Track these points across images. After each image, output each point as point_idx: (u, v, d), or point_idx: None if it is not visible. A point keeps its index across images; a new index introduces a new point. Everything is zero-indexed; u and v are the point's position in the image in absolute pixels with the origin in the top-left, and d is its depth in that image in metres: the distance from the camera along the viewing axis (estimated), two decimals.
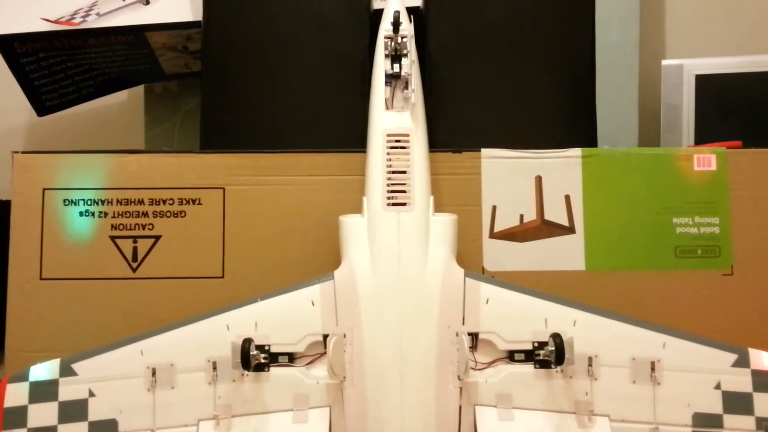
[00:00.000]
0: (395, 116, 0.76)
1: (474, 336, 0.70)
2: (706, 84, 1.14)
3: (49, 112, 1.13)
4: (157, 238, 0.81)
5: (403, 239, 0.72)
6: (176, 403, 0.69)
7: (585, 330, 0.69)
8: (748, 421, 0.67)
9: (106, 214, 0.81)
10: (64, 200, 0.80)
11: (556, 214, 0.82)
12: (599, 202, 0.82)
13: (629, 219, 0.82)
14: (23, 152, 0.81)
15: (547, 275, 0.81)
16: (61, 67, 1.09)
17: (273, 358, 0.70)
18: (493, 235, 0.81)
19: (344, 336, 0.70)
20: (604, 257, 0.81)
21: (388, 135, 0.75)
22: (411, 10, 0.84)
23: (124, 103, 1.34)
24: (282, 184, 0.82)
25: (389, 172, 0.74)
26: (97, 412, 0.68)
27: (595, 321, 0.70)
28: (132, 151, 0.82)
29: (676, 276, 0.81)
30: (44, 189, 0.80)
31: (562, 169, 0.82)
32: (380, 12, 0.82)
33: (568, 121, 0.91)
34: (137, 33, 1.03)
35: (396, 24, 0.76)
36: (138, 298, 0.80)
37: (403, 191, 0.73)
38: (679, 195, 0.82)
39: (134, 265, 0.80)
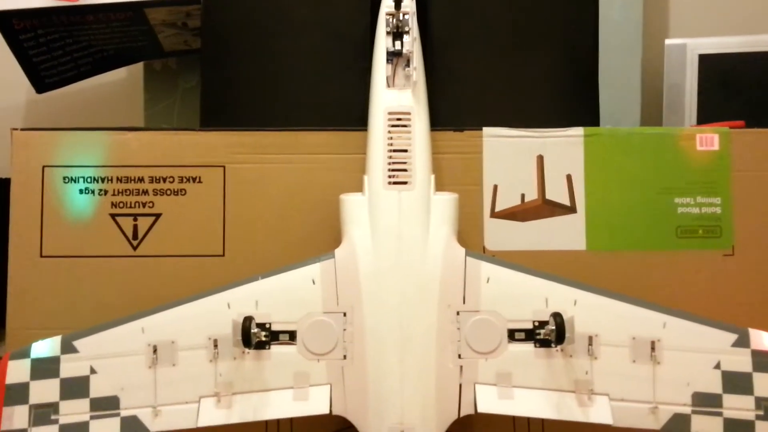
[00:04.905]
0: (396, 94, 0.75)
1: None
2: (709, 63, 1.13)
3: (48, 89, 1.13)
4: (158, 216, 0.80)
5: (404, 218, 0.71)
6: (177, 381, 0.69)
7: (585, 309, 0.69)
8: (747, 401, 0.67)
9: (106, 192, 0.80)
10: (64, 177, 0.80)
11: (557, 193, 0.81)
12: (601, 182, 0.81)
13: (631, 199, 0.81)
14: (22, 129, 0.81)
15: (548, 255, 0.80)
16: (59, 44, 1.08)
17: (274, 336, 0.70)
18: (494, 214, 0.81)
19: (344, 314, 0.70)
20: (605, 237, 0.81)
21: (390, 113, 0.74)
22: None
23: (124, 81, 1.33)
24: (282, 163, 0.81)
25: (390, 151, 0.73)
26: (98, 389, 0.68)
27: (595, 300, 0.70)
28: (132, 128, 0.82)
29: (677, 256, 0.81)
30: (44, 166, 0.80)
31: (563, 148, 0.82)
32: None
33: (571, 100, 0.91)
34: (136, 9, 1.03)
35: (398, 1, 0.75)
36: (138, 275, 0.80)
37: (404, 170, 0.73)
38: (681, 175, 0.82)
39: (134, 243, 0.80)
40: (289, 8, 0.90)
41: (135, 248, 0.80)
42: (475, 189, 0.81)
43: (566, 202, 0.81)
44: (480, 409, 0.68)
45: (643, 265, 0.81)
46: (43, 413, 0.67)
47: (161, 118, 1.19)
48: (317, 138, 0.82)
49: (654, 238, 0.81)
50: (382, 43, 0.77)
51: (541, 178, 0.82)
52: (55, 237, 0.80)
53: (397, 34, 0.76)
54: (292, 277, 0.71)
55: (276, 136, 0.82)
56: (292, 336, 0.70)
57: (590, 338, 0.69)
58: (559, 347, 0.68)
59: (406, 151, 0.73)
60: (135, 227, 0.80)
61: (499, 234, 0.81)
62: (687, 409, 0.67)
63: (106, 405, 0.68)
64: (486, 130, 0.82)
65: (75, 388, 0.68)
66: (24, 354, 0.69)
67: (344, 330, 0.70)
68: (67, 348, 0.69)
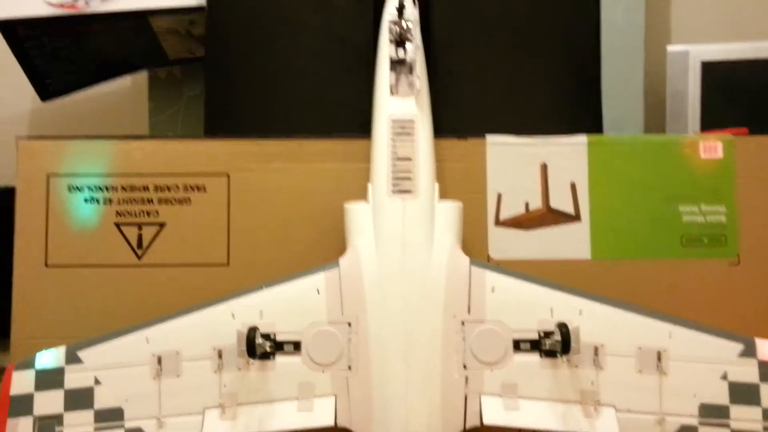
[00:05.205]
0: (400, 102, 0.75)
1: None
2: (711, 70, 1.13)
3: (53, 97, 1.13)
4: (162, 225, 0.80)
5: (408, 226, 0.71)
6: (182, 392, 0.69)
7: (591, 319, 0.69)
8: (754, 412, 0.67)
9: (110, 201, 0.80)
10: (69, 186, 0.80)
11: (561, 201, 0.81)
12: (605, 190, 0.81)
13: (635, 207, 0.81)
14: (28, 138, 0.81)
15: (552, 264, 0.80)
16: (64, 52, 1.08)
17: (278, 347, 0.70)
18: (498, 223, 0.81)
19: (349, 324, 0.70)
20: (610, 245, 0.81)
21: (393, 121, 0.74)
22: None
23: (128, 89, 1.33)
24: (287, 171, 0.81)
25: (394, 159, 0.73)
26: (102, 400, 0.68)
27: (601, 310, 0.70)
28: (136, 137, 0.82)
29: (682, 265, 0.80)
30: (49, 175, 0.80)
31: (567, 156, 0.82)
32: None
33: (574, 107, 0.91)
34: (140, 17, 1.03)
35: (401, 9, 0.75)
36: (143, 285, 0.79)
37: (408, 178, 0.73)
38: (685, 182, 0.81)
39: (139, 252, 0.80)
40: (292, 15, 0.90)
41: (140, 257, 0.80)
42: (479, 197, 0.81)
43: (570, 210, 0.81)
44: (486, 421, 0.68)
45: (647, 273, 0.80)
46: (48, 425, 0.67)
47: (166, 126, 1.19)
48: (321, 146, 0.82)
49: (659, 246, 0.81)
50: (385, 51, 0.77)
51: (545, 186, 0.81)
52: (60, 246, 0.79)
53: (400, 42, 0.76)
54: (297, 287, 0.71)
55: (280, 145, 0.82)
56: (296, 346, 0.70)
57: (596, 348, 0.68)
58: (564, 357, 0.68)
59: (410, 159, 0.73)
60: (140, 236, 0.80)
61: (504, 242, 0.81)
62: (694, 421, 0.67)
63: (111, 416, 0.68)
64: (489, 137, 0.82)
65: (79, 399, 0.68)
66: (28, 365, 0.69)
67: (349, 340, 0.70)
68: (72, 358, 0.69)
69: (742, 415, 0.67)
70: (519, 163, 0.82)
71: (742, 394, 0.67)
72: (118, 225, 0.80)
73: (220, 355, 0.69)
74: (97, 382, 0.68)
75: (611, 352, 0.68)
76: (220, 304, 0.70)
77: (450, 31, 0.89)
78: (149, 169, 0.81)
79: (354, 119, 0.83)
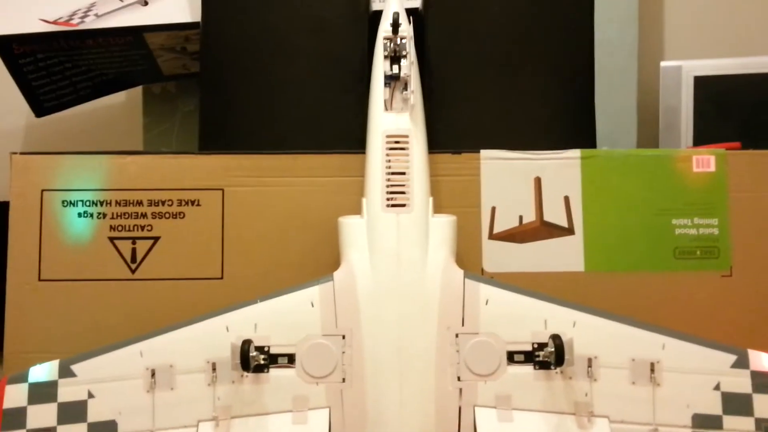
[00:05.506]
0: (394, 117, 0.75)
1: None
2: (704, 85, 1.14)
3: (47, 113, 1.13)
4: (156, 239, 0.80)
5: (402, 240, 0.72)
6: (175, 405, 0.68)
7: (584, 331, 0.69)
8: (747, 422, 0.67)
9: (104, 215, 0.80)
10: (63, 201, 0.80)
11: (555, 215, 0.82)
12: (598, 204, 0.82)
13: (628, 220, 0.82)
14: (21, 153, 0.81)
15: (546, 276, 0.80)
16: (59, 68, 1.08)
17: (272, 360, 0.69)
18: (492, 236, 0.81)
19: (343, 337, 0.70)
20: (603, 258, 0.81)
21: (388, 136, 0.75)
22: (410, 12, 0.84)
23: (123, 105, 1.34)
24: (281, 186, 0.82)
25: (388, 174, 0.73)
26: (96, 413, 0.68)
27: (594, 322, 0.70)
28: (131, 152, 0.82)
29: (675, 277, 0.81)
30: (43, 190, 0.80)
31: (561, 170, 0.82)
32: (379, 13, 0.82)
33: (568, 122, 0.91)
34: (135, 34, 1.03)
35: (395, 25, 0.76)
36: (137, 299, 0.79)
37: (403, 192, 0.73)
38: (678, 196, 0.82)
39: (133, 266, 0.80)
40: (287, 32, 0.91)
41: (133, 271, 0.80)
42: (473, 211, 0.82)
43: (564, 223, 0.82)
44: None
45: (641, 286, 0.81)
46: None
47: (160, 141, 1.19)
48: (316, 161, 0.82)
49: (652, 259, 0.81)
50: (380, 66, 0.77)
51: (539, 200, 0.82)
52: (53, 261, 0.79)
53: (395, 58, 0.76)
54: (291, 300, 0.71)
55: (274, 159, 0.82)
56: (290, 359, 0.70)
57: (589, 360, 0.68)
58: (558, 369, 0.68)
59: (404, 173, 0.73)
60: (133, 250, 0.80)
61: (498, 255, 0.81)
62: (687, 431, 0.67)
63: (104, 429, 0.67)
64: (484, 152, 0.82)
65: (73, 412, 0.67)
66: (22, 378, 0.68)
67: (343, 353, 0.70)
68: (65, 372, 0.68)
69: (735, 425, 0.67)
70: (513, 177, 0.82)
71: (735, 404, 0.67)
72: (111, 239, 0.80)
73: (214, 368, 0.69)
74: (90, 395, 0.68)
75: (605, 364, 0.68)
76: (214, 317, 0.70)
77: (445, 46, 0.90)
78: (144, 184, 0.81)
79: (349, 137, 0.84)
